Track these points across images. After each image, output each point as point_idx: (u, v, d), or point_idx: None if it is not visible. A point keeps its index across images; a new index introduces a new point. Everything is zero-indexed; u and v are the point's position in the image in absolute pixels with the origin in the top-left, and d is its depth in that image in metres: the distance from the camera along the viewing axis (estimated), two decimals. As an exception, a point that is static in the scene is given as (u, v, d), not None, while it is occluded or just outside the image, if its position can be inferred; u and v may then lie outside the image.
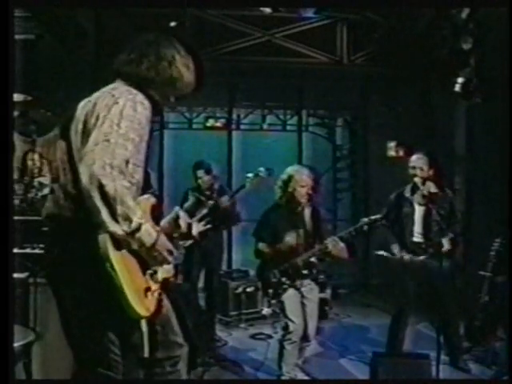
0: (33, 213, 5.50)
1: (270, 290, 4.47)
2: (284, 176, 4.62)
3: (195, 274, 6.15)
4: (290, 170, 4.65)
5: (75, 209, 2.27)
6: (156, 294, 2.38)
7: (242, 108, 9.21)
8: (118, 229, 2.10)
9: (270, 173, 5.29)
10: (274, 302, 4.48)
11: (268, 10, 7.32)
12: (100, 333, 2.34)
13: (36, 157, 6.05)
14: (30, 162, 6.22)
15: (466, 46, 6.49)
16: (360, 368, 5.04)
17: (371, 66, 7.92)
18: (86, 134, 2.26)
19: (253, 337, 6.28)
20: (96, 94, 2.37)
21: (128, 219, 2.11)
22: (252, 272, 6.99)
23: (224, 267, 8.05)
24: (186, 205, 5.90)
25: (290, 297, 4.49)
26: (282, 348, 4.49)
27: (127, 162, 2.16)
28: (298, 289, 4.53)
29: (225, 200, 5.77)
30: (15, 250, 4.73)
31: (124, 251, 2.18)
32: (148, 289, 2.31)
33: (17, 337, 2.90)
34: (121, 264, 2.16)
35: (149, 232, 2.19)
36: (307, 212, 4.67)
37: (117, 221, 2.10)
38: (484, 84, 6.45)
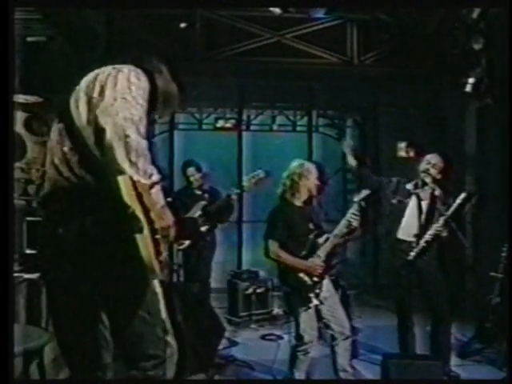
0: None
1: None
2: (297, 169, 4.40)
3: (203, 274, 6.14)
4: (301, 163, 4.46)
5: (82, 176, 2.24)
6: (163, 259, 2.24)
7: (251, 109, 9.18)
8: (139, 179, 2.08)
9: (267, 174, 5.20)
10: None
11: (278, 11, 7.33)
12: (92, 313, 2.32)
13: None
14: (42, 163, 6.26)
15: (476, 46, 6.47)
16: (371, 369, 5.04)
17: (381, 67, 7.92)
18: (91, 101, 2.20)
19: (263, 337, 6.28)
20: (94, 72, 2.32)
21: (148, 174, 2.11)
22: (262, 273, 7.01)
23: (234, 268, 8.10)
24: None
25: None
26: (295, 357, 4.32)
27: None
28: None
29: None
30: (27, 251, 4.77)
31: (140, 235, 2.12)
32: (158, 252, 2.17)
33: (30, 337, 2.91)
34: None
35: (166, 212, 2.20)
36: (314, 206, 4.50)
37: (138, 173, 2.07)
38: (495, 84, 6.43)
